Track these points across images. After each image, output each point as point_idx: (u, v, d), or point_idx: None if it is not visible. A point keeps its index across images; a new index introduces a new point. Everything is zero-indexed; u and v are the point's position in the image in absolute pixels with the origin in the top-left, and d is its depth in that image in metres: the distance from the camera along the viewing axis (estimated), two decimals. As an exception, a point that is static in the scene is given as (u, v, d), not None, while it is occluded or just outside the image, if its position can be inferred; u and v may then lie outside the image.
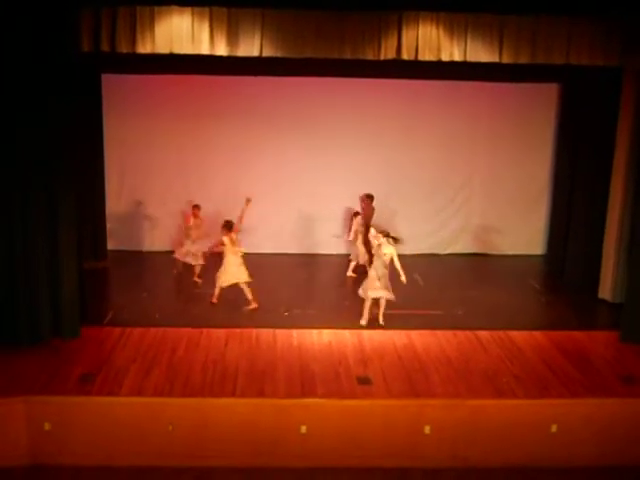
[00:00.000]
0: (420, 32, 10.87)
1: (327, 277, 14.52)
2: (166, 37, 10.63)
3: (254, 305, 12.64)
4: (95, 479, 9.14)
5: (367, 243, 14.91)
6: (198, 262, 14.02)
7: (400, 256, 15.76)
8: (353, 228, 14.55)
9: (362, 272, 14.31)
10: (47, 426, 9.22)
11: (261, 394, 9.58)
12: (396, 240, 12.04)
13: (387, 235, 11.98)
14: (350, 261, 14.73)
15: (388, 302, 12.23)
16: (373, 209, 14.91)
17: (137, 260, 15.47)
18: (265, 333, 11.48)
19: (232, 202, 15.77)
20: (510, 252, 16.43)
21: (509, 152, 16.16)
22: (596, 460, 9.56)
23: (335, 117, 15.67)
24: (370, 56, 10.98)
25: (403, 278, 11.86)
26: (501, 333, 11.71)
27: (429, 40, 10.91)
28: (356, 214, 14.63)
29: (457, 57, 10.97)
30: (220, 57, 10.90)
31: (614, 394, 9.85)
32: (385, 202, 15.42)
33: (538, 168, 16.30)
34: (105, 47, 10.59)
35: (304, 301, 13.10)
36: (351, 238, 14.68)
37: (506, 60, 11.02)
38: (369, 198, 14.84)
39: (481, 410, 9.53)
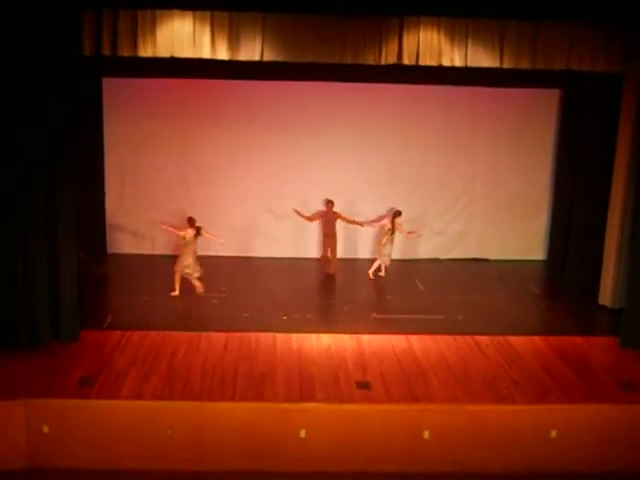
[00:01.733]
0: (421, 37, 10.88)
1: (327, 281, 14.51)
2: (167, 41, 10.64)
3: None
4: (93, 482, 9.16)
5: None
6: None
7: (401, 261, 15.95)
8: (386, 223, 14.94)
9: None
10: (46, 429, 9.22)
11: (260, 398, 9.57)
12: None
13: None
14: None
15: (388, 306, 12.58)
16: (334, 213, 15.10)
17: (137, 263, 15.47)
18: (264, 337, 11.47)
19: (232, 203, 15.91)
20: (510, 257, 16.43)
21: (510, 157, 16.16)
22: (595, 466, 9.55)
23: (336, 121, 15.67)
24: (371, 61, 10.99)
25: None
26: (500, 338, 11.70)
27: (430, 45, 10.91)
28: (397, 213, 14.90)
29: (458, 62, 10.97)
30: (221, 61, 10.91)
31: (613, 400, 9.84)
32: (385, 206, 15.43)
33: (539, 173, 16.30)
34: (106, 51, 10.60)
35: (303, 305, 13.09)
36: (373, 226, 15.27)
37: (507, 65, 11.02)
38: (330, 203, 15.09)
39: (480, 415, 9.52)
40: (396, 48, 10.93)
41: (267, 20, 10.69)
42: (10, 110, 10.26)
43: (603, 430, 9.55)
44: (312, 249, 15.94)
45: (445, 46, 10.92)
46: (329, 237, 15.18)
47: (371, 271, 14.95)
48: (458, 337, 11.70)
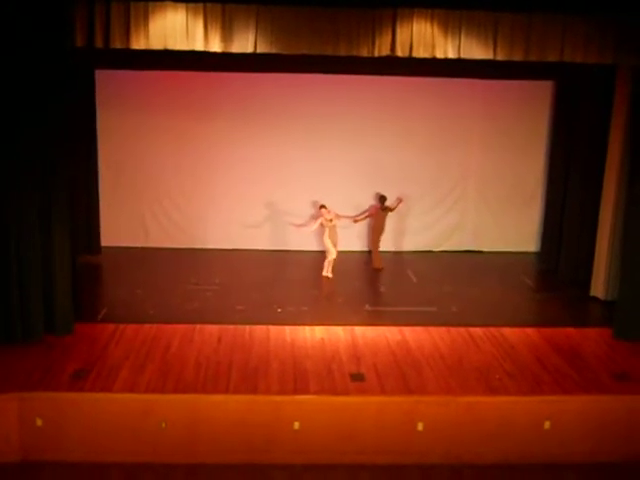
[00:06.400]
0: (414, 29, 10.84)
1: (320, 274, 14.50)
2: (160, 33, 10.57)
3: None
4: (87, 475, 9.14)
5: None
6: None
7: (394, 253, 15.98)
8: (318, 221, 14.36)
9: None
10: (39, 422, 9.21)
11: (254, 391, 9.58)
12: None
13: None
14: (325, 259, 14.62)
15: (382, 299, 12.85)
16: (379, 210, 15.20)
17: (131, 256, 15.45)
18: (258, 330, 11.47)
19: (226, 195, 15.90)
20: (504, 249, 16.46)
21: (503, 149, 16.18)
22: (589, 457, 9.59)
23: (329, 114, 15.65)
24: (364, 53, 10.95)
25: None
26: (494, 330, 11.72)
27: (423, 37, 10.87)
28: (322, 207, 14.43)
29: (451, 54, 10.94)
30: (215, 53, 10.87)
31: (607, 391, 9.88)
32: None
33: (532, 165, 16.32)
34: (99, 43, 10.53)
35: (297, 298, 13.09)
36: (313, 229, 14.62)
37: (500, 57, 11.00)
38: (380, 199, 15.12)
39: (474, 407, 9.54)
40: (389, 40, 10.89)
41: (260, 12, 10.64)
42: (1, 105, 10.19)
43: (597, 421, 9.59)
44: (307, 242, 15.91)
45: (438, 38, 10.88)
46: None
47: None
48: (452, 329, 11.71)
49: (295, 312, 12.39)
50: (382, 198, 15.12)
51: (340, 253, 14.56)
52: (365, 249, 15.95)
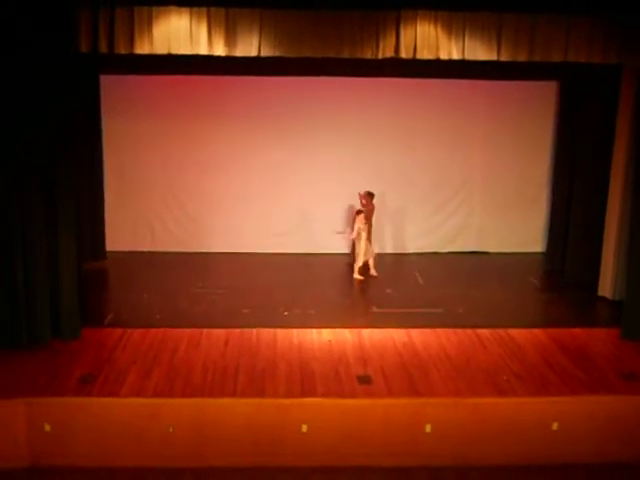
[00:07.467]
0: (418, 30, 10.84)
1: (327, 276, 14.51)
2: (164, 38, 10.60)
3: None
4: (95, 480, 9.17)
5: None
6: None
7: (400, 254, 15.94)
8: (356, 226, 14.38)
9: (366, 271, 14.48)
10: (47, 427, 9.21)
11: (261, 394, 9.57)
12: None
13: None
14: (354, 262, 14.60)
15: (388, 300, 12.75)
16: (373, 207, 15.01)
17: (137, 261, 15.47)
18: (265, 333, 11.47)
19: (231, 199, 15.90)
20: (510, 250, 16.41)
21: (508, 150, 16.15)
22: (597, 457, 9.54)
23: (334, 116, 15.65)
24: (368, 55, 10.95)
25: None
26: (501, 331, 11.70)
27: (427, 38, 10.87)
28: (359, 212, 14.50)
29: (455, 55, 10.95)
30: (219, 57, 10.89)
31: (615, 391, 9.84)
32: (384, 201, 15.43)
33: (537, 165, 16.29)
34: (103, 48, 10.55)
35: (304, 300, 13.08)
36: (353, 236, 14.55)
37: (504, 58, 10.99)
38: (370, 196, 14.95)
39: (481, 408, 9.52)
40: (393, 42, 10.88)
41: (264, 16, 10.65)
42: (7, 109, 10.23)
43: (604, 422, 9.55)
44: (312, 245, 15.91)
45: (442, 39, 10.88)
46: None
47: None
48: (459, 330, 11.69)
49: (302, 315, 12.38)
50: (371, 194, 15.03)
51: (344, 255, 14.55)
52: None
